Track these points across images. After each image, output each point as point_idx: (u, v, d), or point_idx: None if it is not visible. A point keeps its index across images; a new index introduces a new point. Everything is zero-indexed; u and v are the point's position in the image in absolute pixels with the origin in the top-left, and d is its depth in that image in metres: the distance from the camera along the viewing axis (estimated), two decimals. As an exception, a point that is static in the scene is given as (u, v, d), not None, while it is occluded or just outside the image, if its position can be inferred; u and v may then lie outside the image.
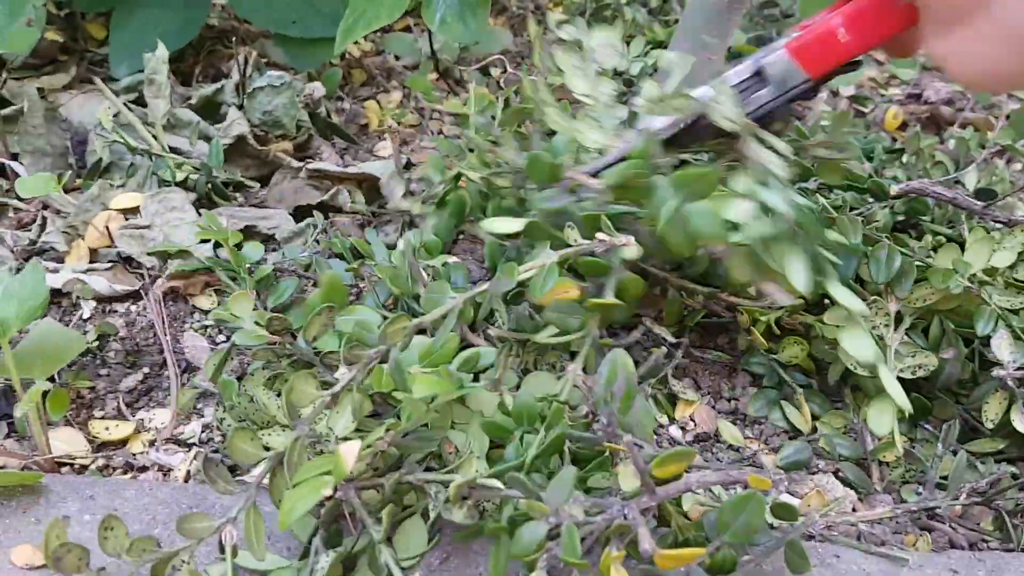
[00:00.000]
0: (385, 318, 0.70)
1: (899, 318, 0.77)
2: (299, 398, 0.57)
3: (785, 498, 0.72)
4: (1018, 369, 0.72)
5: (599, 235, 0.63)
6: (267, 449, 0.58)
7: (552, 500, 0.53)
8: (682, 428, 0.78)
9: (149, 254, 0.82)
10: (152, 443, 0.72)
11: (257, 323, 0.64)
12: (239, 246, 0.78)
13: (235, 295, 0.66)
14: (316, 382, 0.57)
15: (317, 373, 0.60)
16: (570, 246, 0.63)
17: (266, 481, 0.57)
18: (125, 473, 0.70)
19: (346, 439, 0.59)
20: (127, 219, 0.86)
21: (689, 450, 0.56)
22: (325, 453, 0.57)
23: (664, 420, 0.78)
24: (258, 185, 0.94)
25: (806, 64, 0.61)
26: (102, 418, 0.75)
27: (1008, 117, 1.39)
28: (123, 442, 0.73)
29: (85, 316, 0.81)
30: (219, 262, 0.78)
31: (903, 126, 1.34)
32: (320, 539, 0.58)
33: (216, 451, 0.71)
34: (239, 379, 0.70)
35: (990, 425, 0.74)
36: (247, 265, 0.78)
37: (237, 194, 0.94)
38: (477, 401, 0.64)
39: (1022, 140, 1.25)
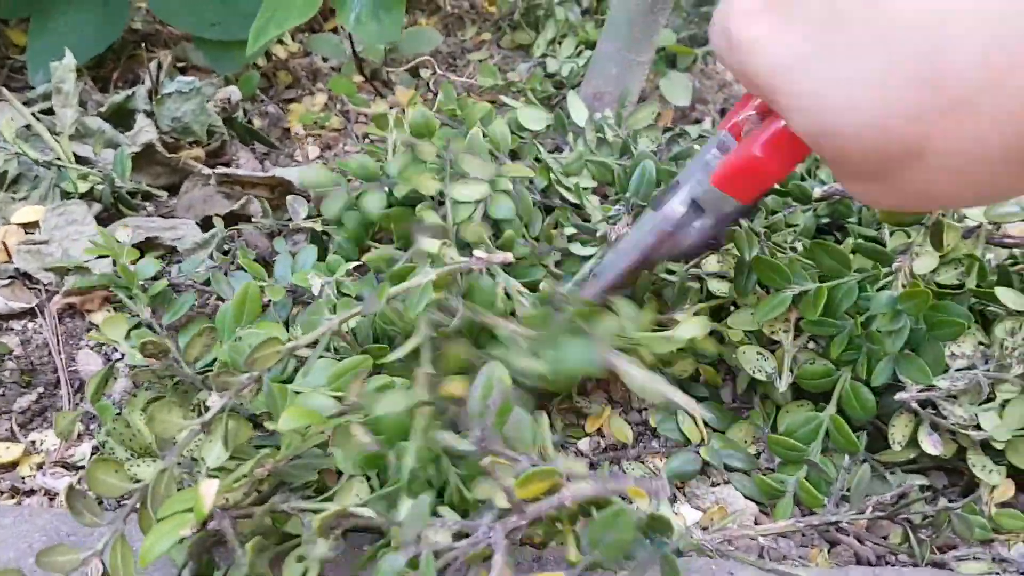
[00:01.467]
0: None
1: (799, 326, 0.76)
2: (163, 428, 0.55)
3: (686, 511, 0.71)
4: (921, 391, 0.71)
5: (476, 252, 0.62)
6: (136, 480, 0.56)
7: (409, 529, 0.52)
8: (599, 439, 0.77)
9: (46, 270, 0.80)
10: (40, 466, 0.71)
11: (132, 347, 0.62)
12: (136, 261, 0.76)
13: (108, 318, 0.64)
14: (182, 410, 0.56)
15: (192, 399, 0.58)
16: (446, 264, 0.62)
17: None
18: (12, 497, 0.69)
19: (219, 470, 0.57)
20: (27, 233, 0.84)
21: (552, 470, 0.54)
22: (194, 485, 0.55)
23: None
24: (166, 194, 0.92)
25: (737, 195, 0.60)
26: (-8, 440, 0.73)
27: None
28: (13, 464, 0.71)
29: (-20, 334, 0.79)
30: (114, 278, 0.76)
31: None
32: (189, 571, 0.56)
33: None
34: (120, 403, 0.68)
35: (897, 448, 0.73)
36: (141, 281, 0.76)
37: (147, 203, 0.92)
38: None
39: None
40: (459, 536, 0.54)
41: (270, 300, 0.77)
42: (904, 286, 0.74)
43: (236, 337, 0.66)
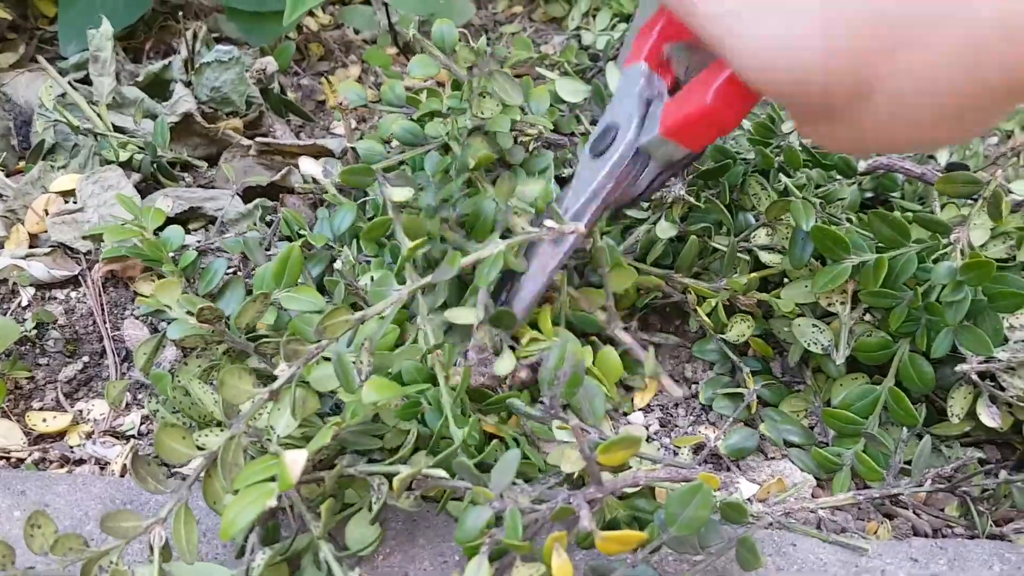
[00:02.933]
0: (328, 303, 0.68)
1: (856, 298, 0.75)
2: (233, 395, 0.54)
3: (743, 485, 0.70)
4: (982, 363, 0.70)
5: (547, 222, 0.61)
6: (201, 448, 0.55)
7: (496, 485, 0.52)
8: (645, 414, 0.77)
9: (83, 238, 0.79)
10: (89, 435, 0.70)
11: (188, 312, 0.61)
12: (161, 229, 0.75)
13: (160, 283, 0.63)
14: (251, 377, 0.55)
15: (249, 366, 0.57)
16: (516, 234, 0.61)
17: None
18: (62, 466, 0.68)
19: (288, 439, 0.57)
20: (66, 202, 0.83)
21: (636, 436, 0.54)
22: (267, 453, 0.54)
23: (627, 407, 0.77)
24: (206, 164, 0.91)
25: (689, 144, 0.58)
26: (40, 409, 0.72)
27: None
28: (61, 434, 0.71)
29: (24, 303, 0.78)
30: (138, 250, 0.74)
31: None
32: (256, 536, 0.55)
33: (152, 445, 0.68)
34: (171, 372, 0.67)
35: (955, 420, 0.72)
36: (171, 253, 0.74)
37: (185, 174, 0.91)
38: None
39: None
40: (536, 502, 0.53)
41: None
42: (963, 255, 0.73)
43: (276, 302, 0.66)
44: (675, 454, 0.73)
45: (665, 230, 0.79)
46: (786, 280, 0.79)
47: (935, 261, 0.75)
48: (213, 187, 0.90)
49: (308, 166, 0.80)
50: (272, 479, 0.48)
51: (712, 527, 0.56)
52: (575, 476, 0.59)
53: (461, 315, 0.64)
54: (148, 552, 0.53)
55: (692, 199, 0.81)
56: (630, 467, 0.59)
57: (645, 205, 0.84)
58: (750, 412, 0.76)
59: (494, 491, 0.52)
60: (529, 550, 0.50)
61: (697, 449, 0.73)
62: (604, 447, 0.53)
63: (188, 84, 0.94)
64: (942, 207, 0.88)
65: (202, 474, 0.54)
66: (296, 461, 0.47)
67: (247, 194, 0.89)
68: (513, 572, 0.52)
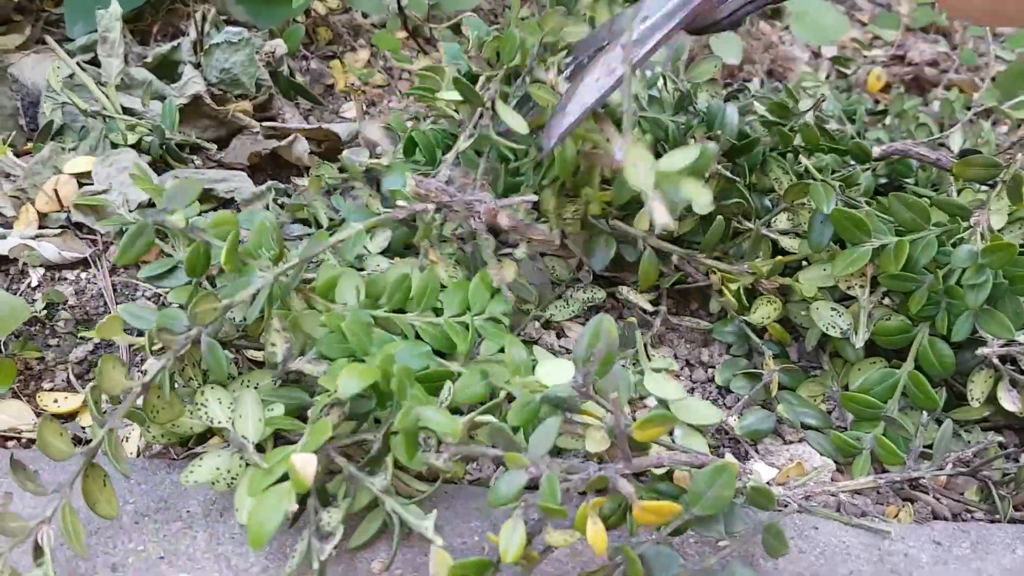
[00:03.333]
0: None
1: (875, 281, 0.74)
2: (110, 386, 0.55)
3: (761, 468, 0.70)
4: (1003, 346, 0.69)
5: (399, 203, 0.62)
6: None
7: (534, 449, 0.52)
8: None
9: (104, 223, 0.78)
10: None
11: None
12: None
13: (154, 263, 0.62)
14: (124, 368, 0.56)
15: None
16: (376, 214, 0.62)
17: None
18: (74, 447, 0.67)
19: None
20: (80, 184, 0.82)
21: (671, 415, 0.54)
22: (268, 454, 0.54)
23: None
24: (215, 147, 0.90)
25: None
26: (51, 390, 0.71)
27: (993, 79, 1.36)
28: (72, 415, 0.70)
29: (33, 284, 0.77)
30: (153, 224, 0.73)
31: (886, 88, 1.31)
32: (314, 498, 0.55)
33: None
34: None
35: (976, 404, 0.72)
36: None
37: (194, 156, 0.90)
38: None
39: (1008, 101, 1.23)
40: (569, 473, 0.53)
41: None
42: (983, 239, 0.73)
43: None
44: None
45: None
46: (804, 264, 0.78)
47: (955, 245, 0.74)
48: (223, 167, 0.89)
49: (372, 132, 0.79)
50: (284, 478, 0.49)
51: (737, 512, 0.55)
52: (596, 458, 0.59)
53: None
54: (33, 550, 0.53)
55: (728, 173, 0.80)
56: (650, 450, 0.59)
57: None
58: (768, 395, 0.75)
59: (531, 457, 0.52)
60: (566, 515, 0.49)
61: (718, 431, 0.72)
62: (640, 423, 0.53)
63: (197, 66, 0.93)
64: (959, 192, 0.87)
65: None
66: (308, 466, 0.48)
67: (254, 171, 0.88)
68: (548, 538, 0.51)
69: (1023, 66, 1.28)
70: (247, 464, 0.56)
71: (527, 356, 0.61)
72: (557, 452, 0.62)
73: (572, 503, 0.53)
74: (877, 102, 1.29)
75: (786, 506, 0.61)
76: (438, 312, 0.64)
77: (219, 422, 0.57)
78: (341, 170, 0.83)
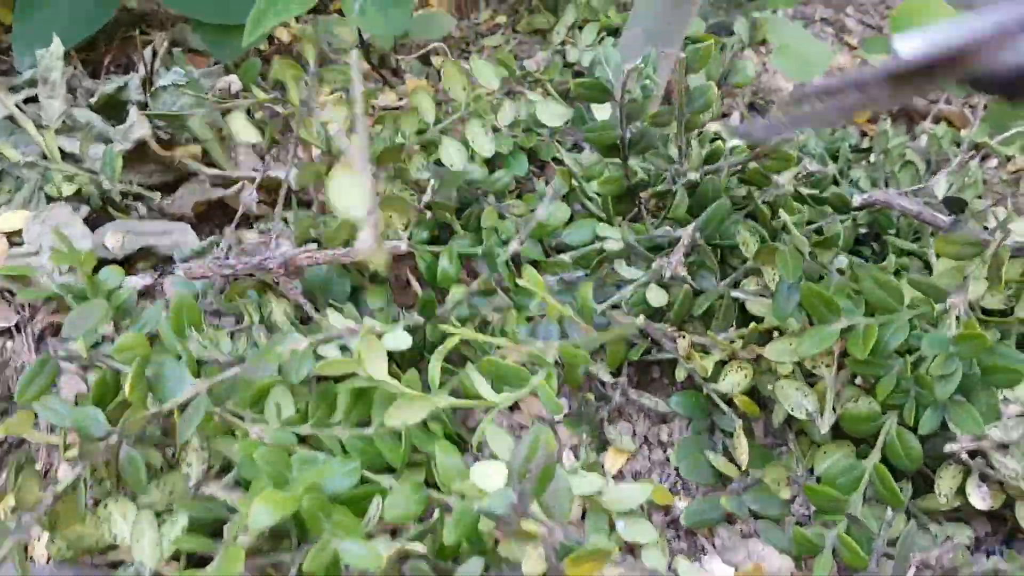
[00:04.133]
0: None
1: (843, 360, 0.70)
2: (25, 500, 0.53)
3: (716, 567, 0.66)
4: (972, 441, 0.65)
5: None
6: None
7: None
8: (617, 480, 0.72)
9: (21, 295, 0.74)
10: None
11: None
12: (97, 270, 0.70)
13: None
14: (39, 481, 0.54)
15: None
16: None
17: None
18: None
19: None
20: (11, 243, 0.78)
21: (605, 550, 0.50)
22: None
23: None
24: (159, 195, 0.85)
25: None
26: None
27: (985, 107, 1.32)
28: (-9, 500, 0.66)
29: (-44, 353, 0.73)
30: (71, 288, 0.69)
31: (874, 119, 1.26)
32: None
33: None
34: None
35: (943, 500, 0.68)
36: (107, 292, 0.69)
37: (139, 203, 0.86)
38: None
39: (999, 135, 1.18)
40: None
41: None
42: (958, 323, 0.69)
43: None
44: (650, 517, 0.68)
45: (656, 297, 0.75)
46: (776, 334, 0.74)
47: (933, 324, 0.70)
48: (167, 216, 0.85)
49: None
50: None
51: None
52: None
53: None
54: None
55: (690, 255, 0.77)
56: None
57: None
58: (720, 481, 0.72)
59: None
60: None
61: (671, 522, 0.69)
62: (573, 558, 0.50)
63: (144, 106, 0.89)
64: (938, 256, 0.83)
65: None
66: None
67: (201, 220, 0.84)
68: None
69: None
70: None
71: (461, 461, 0.58)
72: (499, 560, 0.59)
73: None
74: (864, 133, 1.24)
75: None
76: (367, 424, 0.60)
77: (122, 538, 0.53)
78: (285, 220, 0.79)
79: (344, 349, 0.61)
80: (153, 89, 0.87)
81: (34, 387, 0.60)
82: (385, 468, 0.61)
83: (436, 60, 1.11)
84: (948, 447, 0.66)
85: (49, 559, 0.61)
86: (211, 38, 1.01)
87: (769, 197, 0.85)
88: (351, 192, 0.43)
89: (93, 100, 0.89)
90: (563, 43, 1.13)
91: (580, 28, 1.14)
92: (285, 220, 0.78)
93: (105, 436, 0.55)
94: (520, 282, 0.69)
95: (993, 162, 1.23)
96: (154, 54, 0.93)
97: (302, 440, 0.62)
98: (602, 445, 0.74)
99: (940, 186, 0.99)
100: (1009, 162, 1.22)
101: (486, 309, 0.75)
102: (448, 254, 0.76)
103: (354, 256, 0.66)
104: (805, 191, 0.90)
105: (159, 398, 0.57)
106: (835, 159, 1.07)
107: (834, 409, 0.69)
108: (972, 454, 0.67)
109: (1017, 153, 1.23)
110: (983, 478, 0.67)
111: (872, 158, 1.12)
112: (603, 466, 0.72)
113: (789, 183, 0.83)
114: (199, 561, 0.56)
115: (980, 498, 0.66)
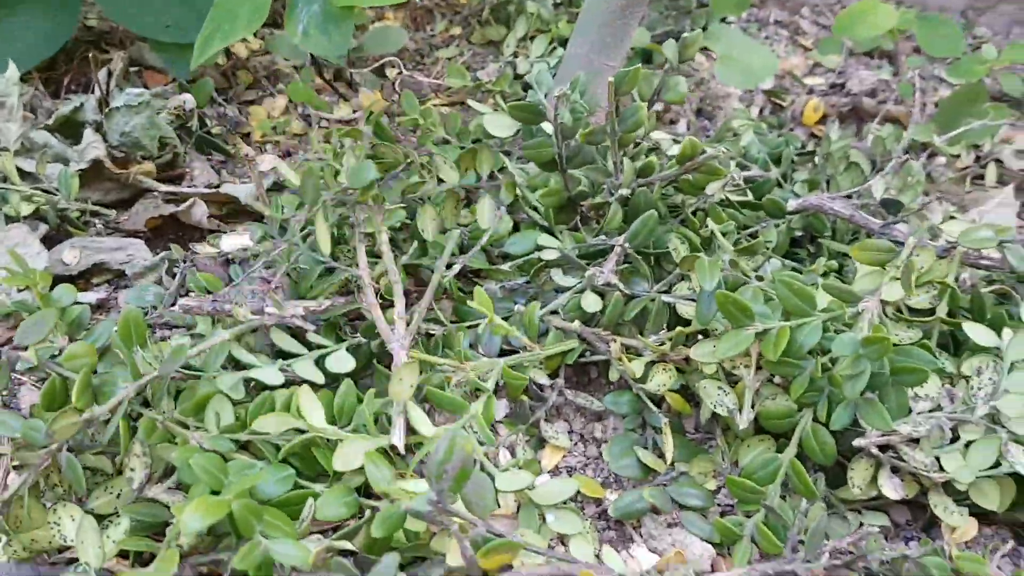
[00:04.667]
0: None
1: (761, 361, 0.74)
2: None
3: (642, 555, 0.69)
4: (881, 436, 0.69)
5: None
6: None
7: None
8: (552, 475, 0.76)
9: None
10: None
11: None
12: (52, 287, 0.73)
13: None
14: None
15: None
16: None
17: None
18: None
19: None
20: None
21: (515, 543, 0.54)
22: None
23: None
24: (114, 212, 0.89)
25: None
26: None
27: (936, 105, 1.35)
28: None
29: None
30: (27, 306, 0.73)
31: (823, 119, 1.29)
32: None
33: None
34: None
35: (857, 491, 0.71)
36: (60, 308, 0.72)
37: (95, 219, 0.89)
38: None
39: (944, 135, 1.21)
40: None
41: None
42: (870, 326, 0.72)
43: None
44: (583, 509, 0.72)
45: (591, 304, 0.79)
46: (700, 336, 0.78)
47: (849, 326, 0.74)
48: (122, 232, 0.89)
49: (229, 242, 0.78)
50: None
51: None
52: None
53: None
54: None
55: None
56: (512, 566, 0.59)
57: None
58: (650, 475, 0.75)
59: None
60: None
61: (601, 514, 0.73)
62: (484, 551, 0.54)
63: (99, 126, 0.92)
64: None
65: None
66: None
67: (155, 235, 0.87)
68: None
69: (961, 97, 1.26)
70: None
71: (390, 470, 0.61)
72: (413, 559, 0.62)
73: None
74: (814, 135, 1.28)
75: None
76: (301, 431, 0.64)
77: (71, 540, 0.57)
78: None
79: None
80: (108, 110, 0.91)
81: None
82: (320, 473, 0.65)
83: (391, 72, 1.15)
84: (857, 442, 0.69)
85: (9, 559, 0.65)
86: (168, 56, 1.05)
87: (703, 204, 0.89)
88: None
89: (50, 122, 0.93)
90: (514, 54, 1.16)
91: (532, 39, 1.17)
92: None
93: (47, 443, 0.58)
94: (471, 303, 0.73)
95: (942, 160, 1.26)
96: (109, 75, 0.96)
97: (243, 447, 0.66)
98: (540, 443, 0.77)
99: (878, 185, 1.03)
100: (956, 160, 1.26)
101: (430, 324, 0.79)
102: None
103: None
104: (741, 198, 0.94)
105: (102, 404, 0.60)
106: (778, 163, 1.10)
107: (752, 406, 0.73)
108: (883, 448, 0.70)
109: (963, 152, 1.26)
110: (895, 470, 0.70)
111: (816, 160, 1.15)
112: (540, 463, 0.75)
113: (719, 192, 0.86)
114: (149, 559, 0.60)
115: (892, 488, 0.70)
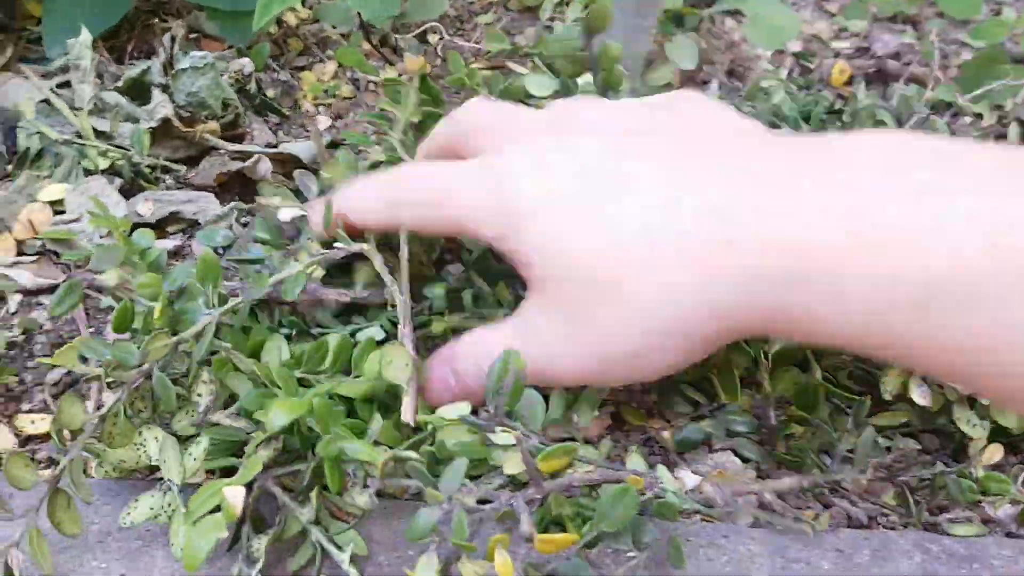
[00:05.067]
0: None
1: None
2: (69, 420, 0.61)
3: (686, 476, 0.74)
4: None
5: (337, 244, 0.69)
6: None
7: (445, 488, 0.57)
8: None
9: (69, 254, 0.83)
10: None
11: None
12: (131, 232, 0.78)
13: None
14: (83, 403, 0.62)
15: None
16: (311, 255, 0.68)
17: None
18: (48, 467, 0.73)
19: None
20: (55, 211, 0.87)
21: (572, 446, 0.59)
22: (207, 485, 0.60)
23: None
24: (184, 168, 0.94)
25: None
26: (28, 412, 0.77)
27: (959, 68, 1.39)
28: (48, 435, 0.75)
29: (12, 310, 0.82)
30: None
31: (850, 81, 1.33)
32: (248, 527, 0.60)
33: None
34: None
35: (888, 397, 0.76)
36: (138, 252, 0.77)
37: (166, 175, 0.95)
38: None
39: (967, 95, 1.25)
40: (482, 501, 0.58)
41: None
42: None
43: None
44: (625, 449, 0.77)
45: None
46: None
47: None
48: (192, 187, 0.94)
49: (287, 213, 0.83)
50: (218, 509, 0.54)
51: (643, 526, 0.60)
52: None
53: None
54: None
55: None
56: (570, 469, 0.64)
57: None
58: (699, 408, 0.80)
59: (443, 493, 0.57)
60: (475, 550, 0.54)
61: (647, 441, 0.77)
62: (544, 455, 0.58)
63: (166, 88, 0.98)
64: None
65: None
66: (237, 498, 0.53)
67: (223, 190, 0.93)
68: (460, 568, 0.56)
69: (984, 58, 1.30)
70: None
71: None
72: (477, 475, 0.67)
73: (490, 529, 0.58)
74: (841, 96, 1.31)
75: (691, 516, 0.66)
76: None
77: (155, 460, 0.62)
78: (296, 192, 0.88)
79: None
80: (174, 72, 0.96)
81: (63, 305, 0.69)
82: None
83: (432, 38, 1.20)
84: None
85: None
86: (223, 24, 1.10)
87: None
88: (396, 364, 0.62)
89: (119, 84, 0.98)
90: (551, 19, 1.21)
91: (568, 3, 1.21)
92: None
93: (138, 365, 0.63)
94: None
95: (966, 120, 1.30)
96: (172, 40, 1.02)
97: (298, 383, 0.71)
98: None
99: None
100: (980, 119, 1.29)
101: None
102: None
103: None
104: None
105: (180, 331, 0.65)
106: (808, 121, 1.15)
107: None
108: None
109: (985, 112, 1.30)
110: (924, 378, 0.75)
111: (845, 118, 1.19)
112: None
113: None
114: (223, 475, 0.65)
115: (921, 395, 0.74)
